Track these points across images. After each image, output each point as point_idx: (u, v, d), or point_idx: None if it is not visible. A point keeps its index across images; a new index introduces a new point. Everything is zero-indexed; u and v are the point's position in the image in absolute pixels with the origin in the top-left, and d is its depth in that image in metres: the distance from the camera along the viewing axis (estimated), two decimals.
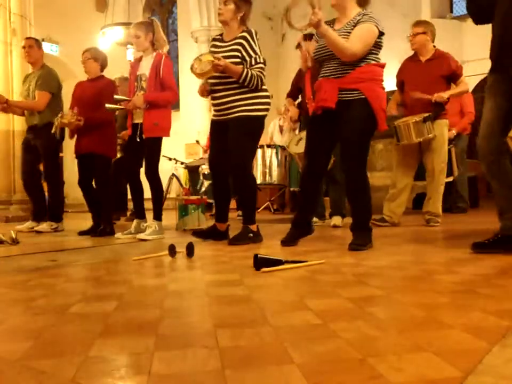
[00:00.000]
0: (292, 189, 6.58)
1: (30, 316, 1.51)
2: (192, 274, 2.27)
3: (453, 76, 4.18)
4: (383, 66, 2.92)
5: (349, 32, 2.81)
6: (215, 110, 3.48)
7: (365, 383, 0.92)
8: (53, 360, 1.08)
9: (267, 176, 6.63)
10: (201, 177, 6.98)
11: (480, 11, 2.54)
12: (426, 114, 4.02)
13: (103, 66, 4.42)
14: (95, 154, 4.26)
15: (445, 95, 4.06)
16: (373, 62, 2.86)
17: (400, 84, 4.37)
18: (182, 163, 8.21)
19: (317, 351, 1.09)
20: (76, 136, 4.36)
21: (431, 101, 4.04)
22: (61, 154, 4.97)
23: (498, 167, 2.47)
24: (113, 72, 5.69)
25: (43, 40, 10.33)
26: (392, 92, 4.93)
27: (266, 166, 6.64)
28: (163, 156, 8.09)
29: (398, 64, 4.51)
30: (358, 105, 2.79)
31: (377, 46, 2.86)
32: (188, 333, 1.27)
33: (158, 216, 3.81)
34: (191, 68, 3.28)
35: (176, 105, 11.67)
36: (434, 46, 4.25)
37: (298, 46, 4.18)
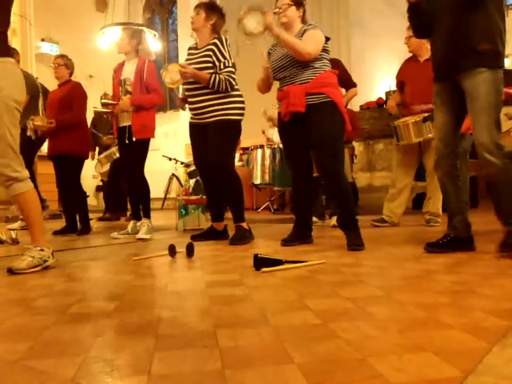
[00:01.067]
0: (277, 188, 6.61)
1: (30, 316, 1.51)
2: (192, 274, 2.27)
3: None
4: (335, 72, 3.07)
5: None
6: (192, 114, 3.57)
7: (365, 383, 0.92)
8: (53, 360, 1.08)
9: (267, 176, 6.64)
10: (186, 177, 6.99)
11: (421, 24, 2.69)
12: (426, 114, 4.02)
13: (71, 73, 4.56)
14: (66, 155, 4.34)
15: None
16: (327, 68, 3.01)
17: (400, 84, 4.37)
18: (182, 163, 8.22)
19: (317, 351, 1.09)
20: (47, 138, 4.49)
21: (431, 101, 4.04)
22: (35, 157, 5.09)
23: (453, 171, 2.65)
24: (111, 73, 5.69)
25: (43, 40, 10.34)
26: (393, 91, 4.95)
27: (266, 166, 6.64)
28: (163, 156, 8.10)
29: (398, 64, 4.52)
30: (327, 107, 2.92)
31: (325, 50, 3.02)
32: (188, 333, 1.27)
33: (148, 215, 3.92)
34: (160, 79, 3.44)
35: (176, 106, 11.68)
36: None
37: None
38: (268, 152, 6.75)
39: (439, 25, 2.56)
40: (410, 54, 4.40)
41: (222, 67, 3.38)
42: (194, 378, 0.96)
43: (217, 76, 3.34)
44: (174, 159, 7.96)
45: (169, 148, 9.59)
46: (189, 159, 9.33)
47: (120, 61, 4.07)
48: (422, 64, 4.20)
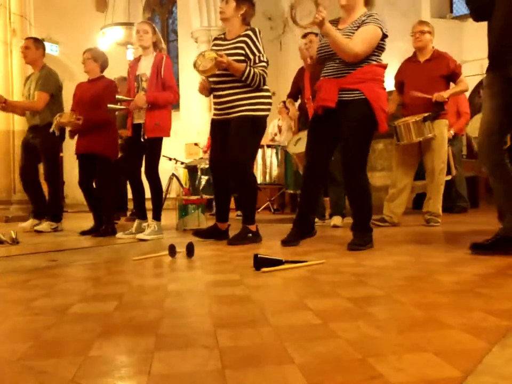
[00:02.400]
0: (289, 191, 6.59)
1: (30, 315, 1.51)
2: (192, 274, 2.27)
3: (453, 76, 4.19)
4: (385, 67, 2.92)
5: (353, 33, 2.81)
6: (216, 109, 3.47)
7: (365, 383, 0.92)
8: (53, 360, 1.08)
9: (267, 176, 6.64)
10: (199, 173, 6.97)
11: (480, 7, 2.53)
12: (426, 114, 4.03)
13: (103, 66, 4.42)
14: (96, 155, 4.26)
15: (445, 94, 4.07)
16: (374, 62, 2.85)
17: (399, 84, 4.37)
18: (182, 163, 8.21)
19: (317, 351, 1.09)
20: (77, 136, 4.38)
21: (431, 100, 4.05)
22: (61, 155, 4.98)
23: (501, 167, 2.46)
24: (113, 72, 5.69)
25: (43, 40, 10.33)
26: (391, 92, 4.94)
27: (266, 166, 6.64)
28: (163, 155, 8.09)
29: (398, 64, 4.51)
30: (358, 105, 2.79)
31: (380, 48, 2.86)
32: (187, 333, 1.27)
33: (157, 216, 3.81)
34: (194, 65, 3.27)
35: (176, 105, 11.67)
36: (433, 47, 4.26)
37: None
38: (268, 152, 6.75)
39: (497, 12, 2.42)
40: (410, 54, 4.40)
41: (256, 61, 3.27)
42: (194, 378, 0.96)
43: (252, 68, 3.24)
44: (174, 159, 7.96)
45: (169, 148, 9.57)
46: (189, 159, 9.34)
47: (125, 61, 4.01)
48: (422, 65, 4.20)
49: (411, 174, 4.29)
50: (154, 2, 13.04)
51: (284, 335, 1.21)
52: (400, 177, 4.27)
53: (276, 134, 7.33)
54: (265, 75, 3.30)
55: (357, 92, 2.80)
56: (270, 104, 3.42)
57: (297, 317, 1.39)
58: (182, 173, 8.72)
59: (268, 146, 6.71)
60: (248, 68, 3.24)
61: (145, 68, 3.77)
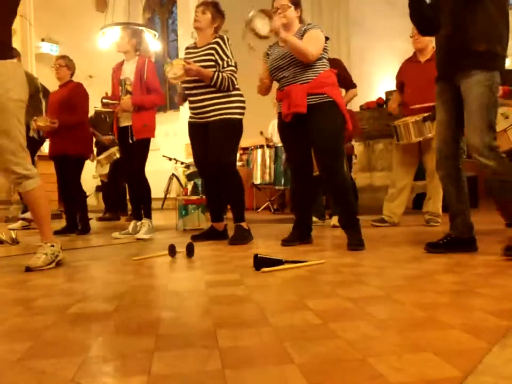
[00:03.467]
0: (279, 187, 6.59)
1: (30, 316, 1.51)
2: (192, 274, 2.27)
3: None
4: (334, 72, 3.07)
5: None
6: (192, 113, 3.57)
7: (365, 383, 0.92)
8: (53, 360, 1.08)
9: (267, 176, 6.64)
10: (186, 180, 6.98)
11: (425, 21, 2.68)
12: (426, 114, 4.03)
13: (72, 74, 4.57)
14: (68, 155, 4.36)
15: None
16: (327, 68, 3.01)
17: (400, 84, 4.37)
18: (182, 163, 8.21)
19: (317, 351, 1.09)
20: (48, 138, 4.53)
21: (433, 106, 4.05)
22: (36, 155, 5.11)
23: (457, 172, 2.63)
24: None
25: (43, 40, 10.34)
26: (391, 92, 4.95)
27: (266, 166, 6.64)
28: (163, 156, 8.10)
29: (398, 64, 4.52)
30: (327, 107, 2.92)
31: (325, 50, 3.02)
32: (187, 333, 1.27)
33: (149, 214, 3.92)
34: (163, 72, 3.40)
35: (176, 106, 11.68)
36: (433, 47, 4.25)
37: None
38: (268, 152, 6.75)
39: (442, 23, 2.55)
40: (410, 54, 4.40)
41: (225, 65, 3.38)
42: (194, 378, 0.97)
43: (220, 73, 3.35)
44: (174, 159, 7.96)
45: (169, 148, 9.58)
46: (189, 159, 9.33)
47: (119, 61, 4.07)
48: (422, 65, 4.20)
49: (411, 174, 4.29)
50: (154, 2, 13.04)
51: (284, 335, 1.21)
52: (400, 177, 4.27)
53: (272, 134, 7.32)
54: (233, 78, 3.40)
55: (325, 95, 2.92)
56: (243, 107, 3.50)
57: (297, 317, 1.39)
58: (182, 173, 8.72)
59: (268, 146, 6.71)
60: (216, 73, 3.34)
61: (129, 72, 3.89)
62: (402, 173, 4.27)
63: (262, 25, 2.87)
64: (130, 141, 3.84)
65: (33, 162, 4.88)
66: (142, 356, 1.10)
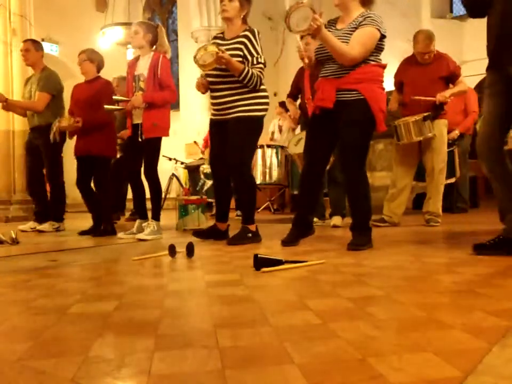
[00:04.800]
0: (294, 192, 6.57)
1: (30, 315, 1.51)
2: (192, 274, 2.27)
3: (452, 77, 4.19)
4: (384, 66, 2.91)
5: (350, 34, 2.80)
6: (214, 109, 3.47)
7: (365, 383, 0.92)
8: (53, 360, 1.08)
9: (267, 176, 6.63)
10: (202, 177, 6.97)
11: (475, 2, 2.50)
12: (426, 114, 4.03)
13: (99, 67, 4.42)
14: (94, 156, 4.27)
15: (447, 94, 4.07)
16: (373, 62, 2.84)
17: (399, 84, 4.37)
18: (182, 163, 8.22)
19: (317, 351, 1.09)
20: (75, 136, 4.38)
21: (435, 102, 4.05)
22: (62, 155, 4.99)
23: (501, 167, 2.45)
24: (113, 72, 5.68)
25: (43, 40, 10.33)
26: (391, 92, 4.94)
27: (266, 166, 6.63)
28: (163, 155, 8.09)
29: (397, 64, 4.51)
30: (357, 105, 2.79)
31: (379, 48, 2.85)
32: (187, 333, 1.27)
33: (156, 216, 3.81)
34: (194, 57, 3.25)
35: (176, 105, 11.66)
36: (436, 51, 4.24)
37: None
38: (268, 152, 6.75)
39: (494, 9, 2.39)
40: (409, 54, 4.39)
41: (254, 62, 3.27)
42: (194, 378, 0.96)
43: (250, 69, 3.24)
44: (174, 159, 7.96)
45: (169, 148, 9.58)
46: (189, 159, 9.35)
47: (125, 60, 4.01)
48: (422, 66, 4.19)
49: (411, 174, 4.29)
50: (154, 2, 13.05)
51: (284, 335, 1.21)
52: (400, 177, 4.27)
53: (273, 133, 7.32)
54: (262, 76, 3.30)
55: (356, 92, 2.79)
56: (267, 104, 3.42)
57: (297, 317, 1.39)
58: (182, 173, 8.72)
59: (268, 146, 6.71)
60: (246, 68, 3.23)
61: (143, 68, 3.76)
62: (403, 173, 4.27)
63: (302, 21, 2.63)
64: (140, 139, 3.71)
65: (58, 165, 4.78)
66: (142, 356, 1.10)
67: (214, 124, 3.50)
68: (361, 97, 2.78)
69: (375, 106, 2.79)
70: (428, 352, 1.05)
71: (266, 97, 3.41)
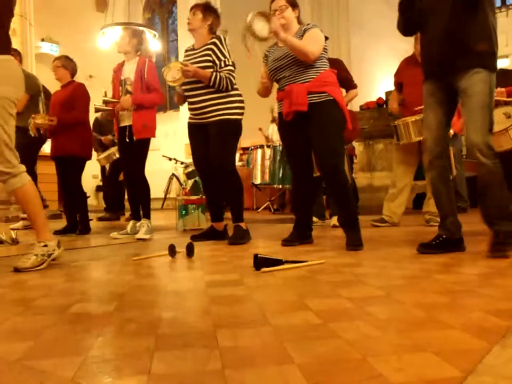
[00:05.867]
0: (275, 186, 6.57)
1: (30, 315, 1.51)
2: (192, 274, 2.27)
3: None
4: (334, 71, 3.09)
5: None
6: (191, 114, 3.58)
7: (365, 383, 0.92)
8: (53, 360, 1.08)
9: (267, 176, 6.64)
10: (185, 178, 6.98)
11: (409, 21, 2.66)
12: None
13: (72, 73, 4.54)
14: (69, 156, 4.35)
15: None
16: (327, 67, 3.03)
17: (399, 84, 4.37)
18: (182, 163, 8.21)
19: (317, 351, 1.09)
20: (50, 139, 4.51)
21: None
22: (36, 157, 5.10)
23: (445, 173, 2.62)
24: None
25: (43, 40, 10.34)
26: (391, 92, 4.94)
27: (266, 166, 6.64)
28: (163, 156, 8.09)
29: (398, 64, 4.51)
30: (328, 105, 2.92)
31: (325, 50, 3.03)
32: (188, 333, 1.27)
33: (148, 215, 3.91)
34: (162, 77, 3.44)
35: (176, 106, 11.66)
36: None
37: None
38: (268, 152, 6.75)
39: (432, 24, 2.53)
40: (410, 54, 4.39)
41: (222, 65, 3.40)
42: (194, 378, 0.97)
43: (218, 73, 3.36)
44: (174, 159, 7.96)
45: (169, 148, 9.59)
46: (189, 159, 9.33)
47: (120, 61, 4.07)
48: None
49: (411, 174, 4.29)
50: (154, 2, 13.04)
51: (284, 335, 1.21)
52: (400, 177, 4.27)
53: (271, 135, 7.32)
54: (231, 78, 3.41)
55: (325, 94, 2.93)
56: (242, 107, 3.51)
57: (297, 317, 1.39)
58: (182, 173, 8.72)
59: (268, 146, 6.71)
60: (214, 74, 3.35)
61: (129, 72, 3.89)
62: (403, 173, 4.27)
63: (261, 28, 2.87)
64: (127, 140, 3.83)
65: (35, 164, 4.88)
66: (142, 356, 1.10)
67: (193, 127, 3.61)
68: (331, 98, 2.93)
69: (343, 105, 2.98)
70: (427, 352, 1.05)
71: (240, 101, 3.50)
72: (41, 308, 1.61)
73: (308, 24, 3.04)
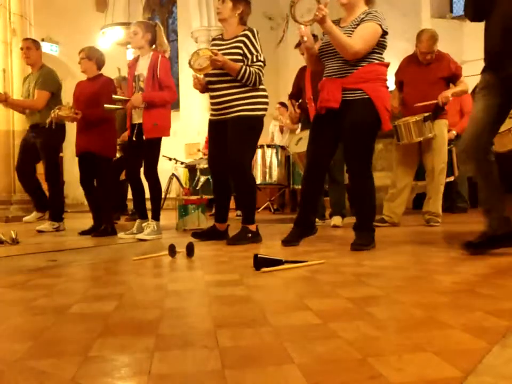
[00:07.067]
0: (295, 187, 6.55)
1: (30, 315, 1.51)
2: (192, 274, 2.27)
3: (453, 77, 4.18)
4: (387, 65, 2.91)
5: (353, 31, 2.80)
6: (212, 109, 3.47)
7: (365, 383, 0.92)
8: (53, 360, 1.08)
9: (267, 176, 6.63)
10: (198, 173, 6.96)
11: (479, 9, 2.50)
12: (427, 114, 4.03)
13: (99, 64, 4.39)
14: (94, 154, 4.26)
15: (449, 94, 4.06)
16: (376, 61, 2.84)
17: (399, 83, 4.36)
18: (182, 163, 8.21)
19: (317, 351, 1.09)
20: (75, 137, 4.39)
21: (437, 103, 4.04)
22: (61, 154, 5.00)
23: (488, 165, 2.48)
24: (113, 72, 5.68)
25: (43, 40, 10.33)
26: (391, 91, 4.94)
27: (266, 166, 6.63)
28: (163, 155, 8.08)
29: (397, 64, 4.50)
30: (362, 105, 2.78)
31: (381, 45, 2.85)
32: (188, 333, 1.27)
33: (156, 216, 3.81)
34: (189, 63, 3.28)
35: (176, 106, 11.66)
36: (438, 52, 4.22)
37: (298, 45, 4.17)
38: (268, 152, 6.74)
39: (496, 12, 2.40)
40: (410, 53, 4.39)
41: (254, 60, 3.29)
42: (194, 378, 0.96)
43: (248, 67, 3.26)
44: (174, 159, 7.96)
45: (169, 148, 9.58)
46: (189, 159, 9.35)
47: (124, 61, 4.01)
48: (423, 66, 4.18)
49: (411, 174, 4.29)
50: (154, 2, 13.04)
51: (284, 335, 1.21)
52: (400, 177, 4.27)
53: (273, 133, 7.32)
54: (261, 74, 3.31)
55: (360, 92, 2.79)
56: (267, 103, 3.42)
57: (297, 317, 1.39)
58: (182, 173, 8.72)
59: (268, 146, 6.70)
60: (243, 67, 3.25)
61: (143, 68, 3.75)
62: (403, 173, 4.27)
63: (305, 11, 2.66)
64: (134, 139, 3.73)
65: (56, 164, 4.78)
66: (142, 356, 1.10)
67: (213, 124, 3.49)
68: (366, 96, 2.78)
69: (380, 105, 2.79)
70: (427, 352, 1.05)
71: (265, 96, 3.41)
72: (41, 307, 1.61)
73: (370, 13, 2.79)
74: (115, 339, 1.24)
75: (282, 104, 7.10)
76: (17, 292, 1.92)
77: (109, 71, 4.57)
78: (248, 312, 1.48)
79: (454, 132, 5.29)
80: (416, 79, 4.16)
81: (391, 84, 4.78)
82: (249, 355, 1.08)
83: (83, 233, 4.27)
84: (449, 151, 4.85)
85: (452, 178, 4.98)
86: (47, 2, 9.66)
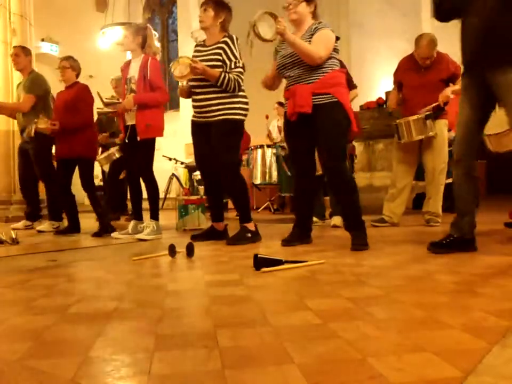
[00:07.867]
0: (282, 194, 6.56)
1: (30, 315, 1.51)
2: (192, 274, 2.27)
3: (453, 77, 4.17)
4: (343, 71, 3.09)
5: (308, 41, 2.93)
6: (195, 112, 3.54)
7: (364, 383, 0.92)
8: (53, 360, 1.08)
9: (267, 176, 6.64)
10: (195, 184, 6.96)
11: (450, 8, 2.57)
12: (428, 113, 4.02)
13: (78, 74, 4.50)
14: (75, 158, 4.30)
15: (448, 92, 4.05)
16: (336, 67, 2.99)
17: (398, 84, 4.36)
18: (182, 163, 8.22)
19: (317, 351, 1.09)
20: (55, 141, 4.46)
21: (438, 104, 4.04)
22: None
23: (471, 172, 2.58)
24: (113, 72, 5.68)
25: (43, 40, 10.34)
26: (390, 92, 4.94)
27: (266, 166, 6.64)
28: (163, 156, 8.08)
29: (397, 64, 4.50)
30: (332, 107, 2.90)
31: (335, 50, 3.00)
32: (187, 333, 1.27)
33: (155, 216, 3.83)
34: (170, 70, 3.39)
35: (176, 106, 11.67)
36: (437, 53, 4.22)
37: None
38: (268, 152, 6.74)
39: (471, 15, 2.44)
40: (409, 53, 4.38)
41: (232, 66, 3.36)
42: (194, 378, 0.97)
43: (227, 74, 3.32)
44: (174, 159, 7.97)
45: (169, 148, 9.59)
46: (189, 159, 9.35)
47: (124, 60, 4.02)
48: (422, 70, 4.17)
49: (411, 173, 4.28)
50: (154, 2, 13.05)
51: (284, 335, 1.21)
52: (400, 177, 4.27)
53: (270, 133, 7.31)
54: (240, 80, 3.38)
55: (329, 95, 2.91)
56: (247, 109, 3.49)
57: (297, 317, 1.39)
58: (182, 173, 8.73)
59: (268, 146, 6.71)
60: (223, 74, 3.32)
61: (134, 70, 3.82)
62: (403, 173, 4.26)
63: (268, 28, 2.83)
64: (126, 140, 3.78)
65: (48, 166, 4.81)
66: (142, 355, 1.10)
67: (196, 126, 3.55)
68: (335, 99, 2.91)
69: (347, 107, 2.95)
70: (427, 352, 1.05)
71: (246, 102, 3.48)
72: (41, 307, 1.61)
73: (319, 23, 2.98)
74: (115, 339, 1.24)
75: (280, 103, 7.10)
76: (17, 292, 1.92)
77: (109, 71, 4.58)
78: (248, 312, 1.48)
79: (452, 133, 5.28)
80: (416, 86, 4.15)
81: (390, 85, 4.80)
82: (249, 355, 1.08)
83: (58, 232, 4.35)
84: (450, 152, 4.84)
85: (451, 180, 4.98)
86: (47, 2, 9.66)
